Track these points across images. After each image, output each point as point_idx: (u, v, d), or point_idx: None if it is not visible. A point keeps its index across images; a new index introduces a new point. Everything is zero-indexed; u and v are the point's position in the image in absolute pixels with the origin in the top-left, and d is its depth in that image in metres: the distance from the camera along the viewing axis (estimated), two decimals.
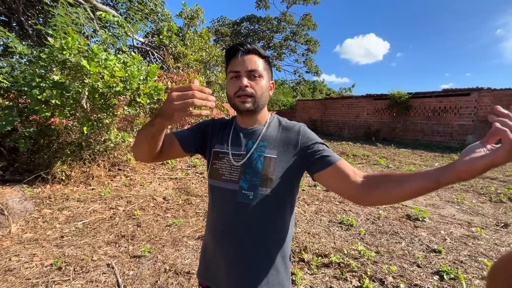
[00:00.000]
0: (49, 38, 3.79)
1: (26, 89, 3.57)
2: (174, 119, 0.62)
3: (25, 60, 4.73)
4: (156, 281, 1.95)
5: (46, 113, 3.50)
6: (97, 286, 1.86)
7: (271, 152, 0.82)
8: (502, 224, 3.15)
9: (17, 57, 4.99)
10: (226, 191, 0.83)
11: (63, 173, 3.88)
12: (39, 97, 3.37)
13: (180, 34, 9.02)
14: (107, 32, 5.67)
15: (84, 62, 3.44)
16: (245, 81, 0.78)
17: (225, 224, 0.84)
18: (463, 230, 2.99)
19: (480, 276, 2.10)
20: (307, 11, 17.95)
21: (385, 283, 1.99)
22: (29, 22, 7.01)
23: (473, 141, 11.30)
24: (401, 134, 13.13)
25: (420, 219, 3.20)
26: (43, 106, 3.54)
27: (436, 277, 2.08)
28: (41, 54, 3.60)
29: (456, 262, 2.31)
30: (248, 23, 18.40)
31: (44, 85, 3.48)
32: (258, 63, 0.81)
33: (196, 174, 5.04)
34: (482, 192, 4.47)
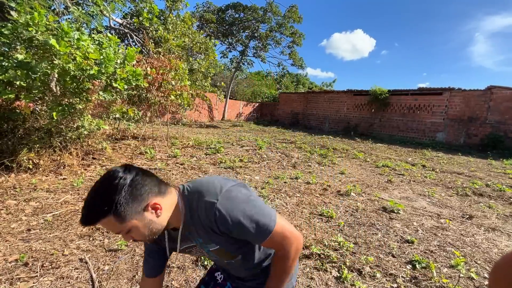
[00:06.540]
0: (12, 12, 3.40)
1: None
2: None
3: None
4: (134, 276, 1.87)
5: (10, 96, 3.19)
6: (69, 282, 1.75)
7: (211, 246, 0.87)
8: (467, 216, 3.39)
9: None
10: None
11: (30, 161, 3.59)
12: (1, 77, 3.05)
13: (162, 18, 8.56)
14: (80, 9, 5.22)
15: (52, 41, 3.14)
16: (126, 238, 0.76)
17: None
18: (433, 222, 3.17)
19: (448, 265, 2.24)
20: (293, 2, 17.66)
21: (363, 273, 2.07)
22: None
23: (443, 138, 12.01)
24: (378, 129, 13.65)
25: (395, 211, 3.36)
26: (6, 87, 3.21)
27: (409, 266, 2.19)
28: (3, 30, 3.23)
29: (427, 251, 2.45)
30: (233, 10, 17.84)
31: (6, 64, 3.14)
32: (115, 224, 0.70)
33: (177, 164, 4.90)
34: (450, 186, 4.78)
